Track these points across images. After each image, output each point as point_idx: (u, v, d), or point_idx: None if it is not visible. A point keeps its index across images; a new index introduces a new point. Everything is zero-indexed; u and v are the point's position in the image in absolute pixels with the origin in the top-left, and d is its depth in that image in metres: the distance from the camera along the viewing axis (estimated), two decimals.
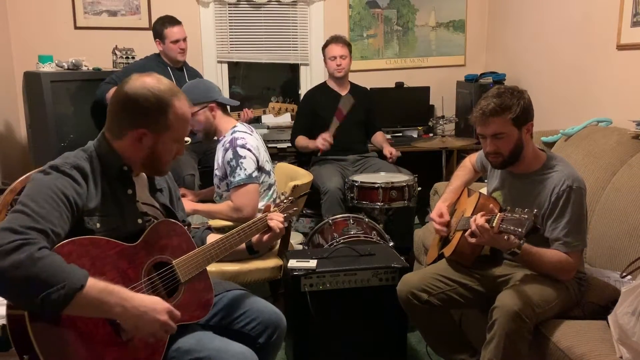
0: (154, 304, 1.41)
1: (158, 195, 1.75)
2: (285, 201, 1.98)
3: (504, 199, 2.17)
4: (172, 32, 3.55)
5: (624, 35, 3.03)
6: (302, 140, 3.74)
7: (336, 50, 3.65)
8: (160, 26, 3.56)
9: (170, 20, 3.57)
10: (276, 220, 1.84)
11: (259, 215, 1.88)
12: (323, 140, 3.48)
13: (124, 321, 1.39)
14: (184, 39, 3.60)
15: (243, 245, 1.85)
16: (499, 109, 1.98)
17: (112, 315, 1.36)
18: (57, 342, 1.34)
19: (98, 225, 1.50)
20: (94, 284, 1.31)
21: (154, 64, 3.57)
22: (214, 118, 2.57)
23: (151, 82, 1.57)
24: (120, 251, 1.49)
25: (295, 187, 2.56)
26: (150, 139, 1.57)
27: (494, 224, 1.84)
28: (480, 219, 1.93)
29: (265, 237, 1.85)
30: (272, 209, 1.90)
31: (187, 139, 3.52)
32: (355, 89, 3.82)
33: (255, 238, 1.85)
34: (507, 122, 1.99)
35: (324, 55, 3.73)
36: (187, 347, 1.57)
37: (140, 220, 1.61)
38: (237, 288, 1.90)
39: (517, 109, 1.98)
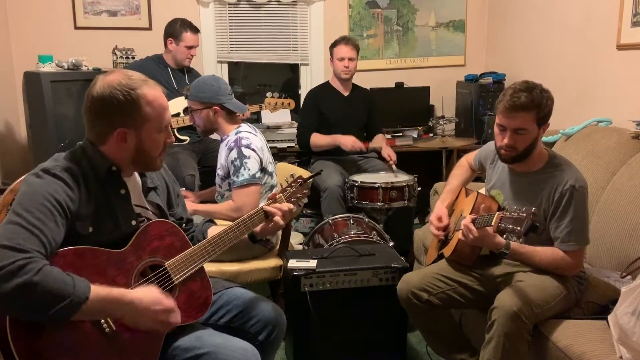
0: (152, 302, 1.43)
1: (151, 194, 1.71)
2: (293, 184, 1.88)
3: (505, 198, 2.17)
4: (191, 37, 3.57)
5: (624, 35, 3.03)
6: (320, 138, 3.62)
7: (345, 51, 3.59)
8: (180, 28, 3.56)
9: (191, 26, 3.60)
10: (277, 210, 1.75)
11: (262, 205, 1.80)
12: (356, 146, 3.45)
13: (126, 320, 1.43)
14: (196, 47, 3.64)
15: (245, 236, 1.78)
16: (530, 105, 1.94)
17: (113, 317, 1.43)
18: (39, 353, 1.33)
19: (90, 229, 1.48)
20: (97, 293, 1.34)
21: (153, 64, 3.58)
22: (215, 119, 2.57)
23: (115, 79, 1.52)
24: (106, 259, 1.47)
25: None
26: (132, 137, 1.53)
27: (492, 223, 1.85)
28: (466, 220, 1.94)
29: (270, 225, 1.76)
30: (278, 195, 1.83)
31: (185, 138, 3.54)
32: (357, 90, 3.82)
33: (257, 228, 1.78)
34: (532, 119, 1.97)
35: (332, 54, 3.66)
36: (187, 345, 1.57)
37: (134, 222, 1.59)
38: (236, 286, 1.90)
39: (545, 108, 1.97)
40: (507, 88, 2.03)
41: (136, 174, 1.68)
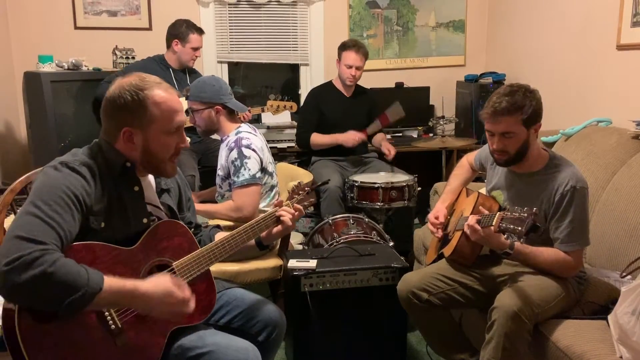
0: (164, 295, 1.43)
1: (164, 196, 1.73)
2: (301, 192, 1.95)
3: (505, 198, 2.17)
4: (197, 39, 3.59)
5: (624, 36, 3.03)
6: (320, 137, 3.64)
7: (354, 59, 3.56)
8: (187, 29, 3.57)
9: (196, 28, 3.61)
10: (287, 213, 1.82)
11: (269, 210, 1.86)
12: (357, 139, 3.49)
13: (139, 311, 1.46)
14: (200, 48, 3.65)
15: (252, 242, 1.83)
16: (512, 108, 1.96)
17: (127, 307, 1.46)
18: (46, 347, 1.34)
19: (103, 224, 1.50)
20: (110, 285, 1.35)
21: (155, 65, 3.58)
22: (217, 119, 2.57)
23: (128, 80, 1.55)
24: (116, 256, 1.48)
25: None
26: (139, 137, 1.55)
27: (493, 223, 1.85)
28: (471, 219, 1.94)
29: (275, 230, 1.83)
30: (285, 203, 1.87)
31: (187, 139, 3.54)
32: (359, 91, 3.82)
33: (263, 233, 1.84)
34: (517, 121, 1.98)
35: (339, 56, 3.64)
36: (189, 344, 1.57)
37: (145, 220, 1.60)
38: (236, 286, 1.91)
39: (529, 109, 1.97)
40: (492, 93, 2.05)
41: (150, 175, 1.70)
